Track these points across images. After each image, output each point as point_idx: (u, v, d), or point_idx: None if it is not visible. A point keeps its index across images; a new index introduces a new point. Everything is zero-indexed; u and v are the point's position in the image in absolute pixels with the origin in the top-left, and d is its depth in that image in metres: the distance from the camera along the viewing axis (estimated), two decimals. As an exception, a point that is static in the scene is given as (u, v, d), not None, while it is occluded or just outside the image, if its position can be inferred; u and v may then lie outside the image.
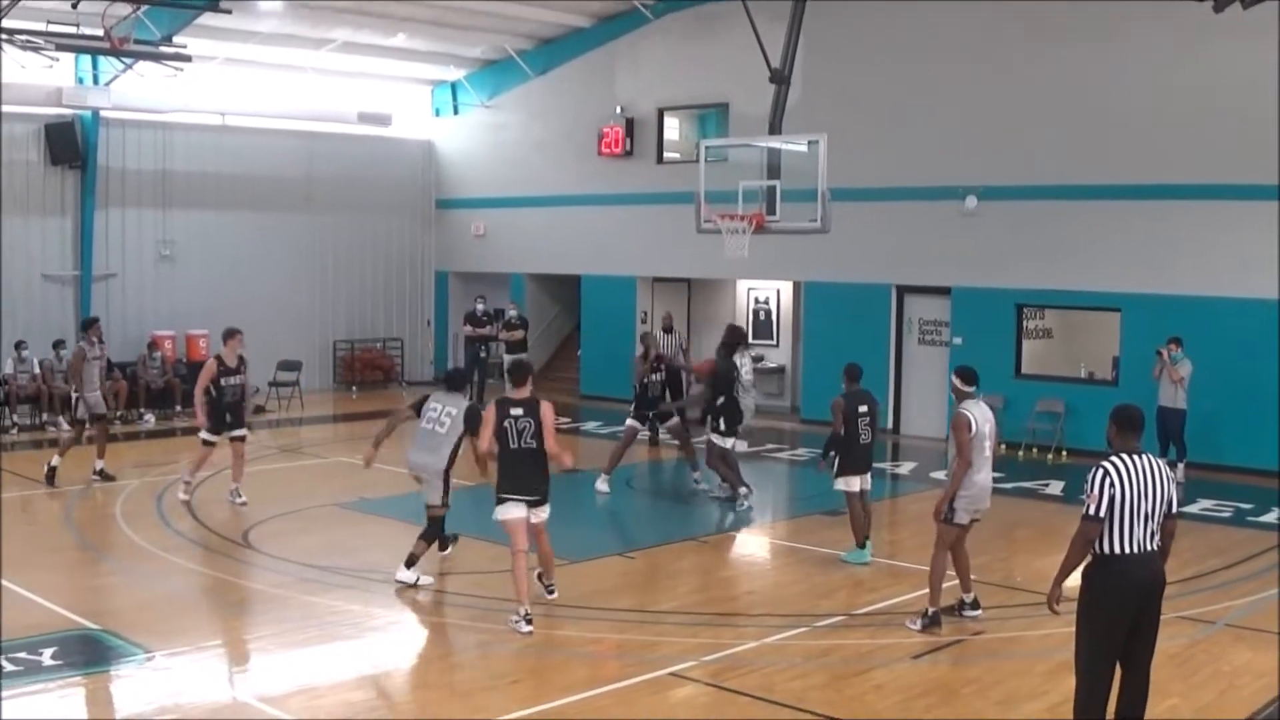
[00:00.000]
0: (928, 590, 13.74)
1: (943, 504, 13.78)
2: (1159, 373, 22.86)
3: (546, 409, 13.84)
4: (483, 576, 15.73)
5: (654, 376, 22.20)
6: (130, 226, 32.17)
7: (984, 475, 13.89)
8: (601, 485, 21.19)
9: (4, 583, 15.04)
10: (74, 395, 22.60)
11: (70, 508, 19.90)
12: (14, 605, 14.31)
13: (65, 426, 25.64)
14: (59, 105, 30.04)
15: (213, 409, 20.06)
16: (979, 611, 13.91)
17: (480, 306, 32.66)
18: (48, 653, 12.54)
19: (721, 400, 20.04)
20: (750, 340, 26.60)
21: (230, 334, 20.35)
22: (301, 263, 34.72)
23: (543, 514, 14.06)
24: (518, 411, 13.70)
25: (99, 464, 21.87)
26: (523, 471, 13.78)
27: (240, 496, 20.10)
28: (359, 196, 35.90)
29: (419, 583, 15.28)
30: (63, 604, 13.83)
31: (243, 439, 20.55)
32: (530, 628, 13.30)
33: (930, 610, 13.63)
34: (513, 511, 13.84)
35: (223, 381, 19.98)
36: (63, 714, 11.30)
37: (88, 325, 22.61)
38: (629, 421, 22.29)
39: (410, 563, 15.35)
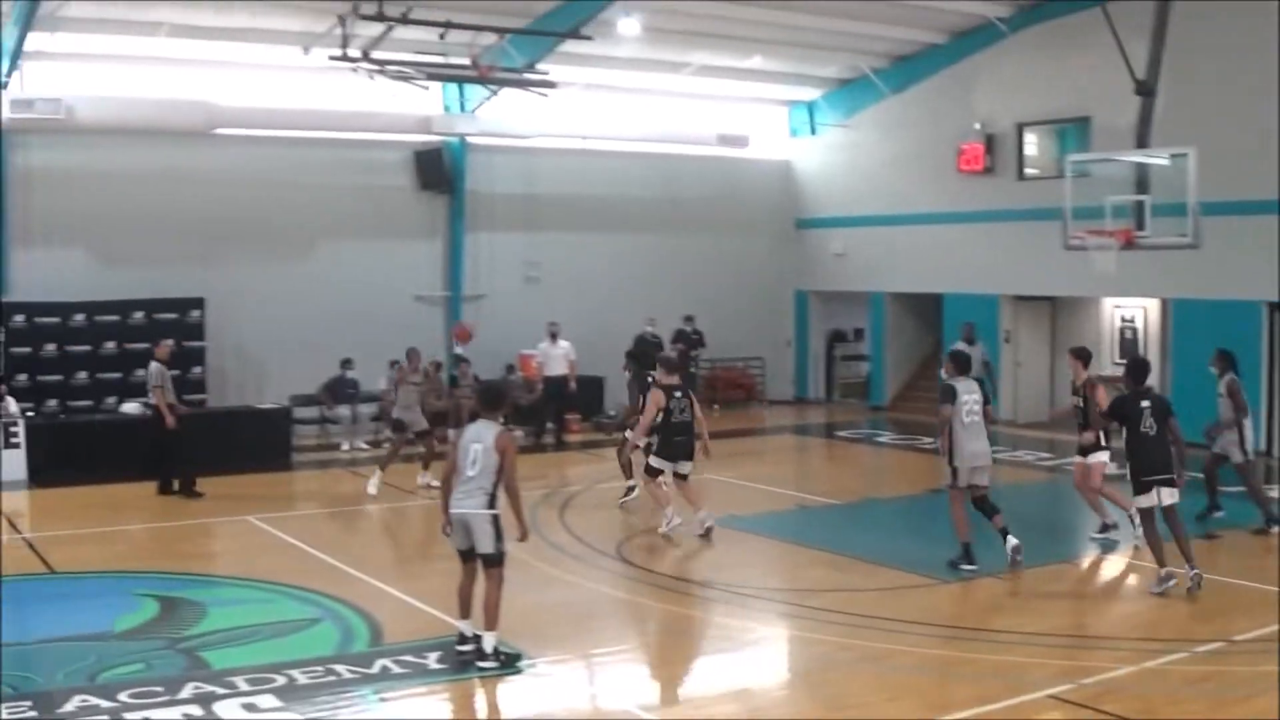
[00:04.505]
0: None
1: None
2: None
3: None
4: (856, 594, 15.82)
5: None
6: (498, 249, 33.19)
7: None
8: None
9: (389, 589, 16.04)
10: (393, 413, 24.05)
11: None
12: (399, 610, 15.12)
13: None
14: (428, 133, 31.23)
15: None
16: None
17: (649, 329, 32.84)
18: (432, 656, 13.11)
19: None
20: (1115, 360, 25.93)
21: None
22: (663, 283, 35.18)
23: None
24: None
25: (424, 477, 23.05)
26: None
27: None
28: (718, 217, 36.31)
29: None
30: (444, 610, 14.30)
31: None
32: None
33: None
34: None
35: None
36: (447, 716, 11.94)
37: (409, 354, 24.15)
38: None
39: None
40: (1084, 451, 18.76)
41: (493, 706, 12.28)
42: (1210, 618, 14.92)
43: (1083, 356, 19.41)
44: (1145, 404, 16.18)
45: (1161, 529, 16.01)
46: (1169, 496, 16.01)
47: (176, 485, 22.76)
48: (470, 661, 12.74)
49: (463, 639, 12.98)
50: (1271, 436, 27.36)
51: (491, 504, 12.81)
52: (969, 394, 17.15)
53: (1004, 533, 17.21)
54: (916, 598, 15.89)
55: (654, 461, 19.93)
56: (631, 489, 21.79)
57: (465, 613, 13.05)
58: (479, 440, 12.88)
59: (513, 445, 13.00)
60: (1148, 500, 16.07)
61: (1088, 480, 18.84)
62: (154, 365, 22.67)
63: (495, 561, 12.88)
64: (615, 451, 22.80)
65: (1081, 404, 18.90)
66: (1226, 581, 16.47)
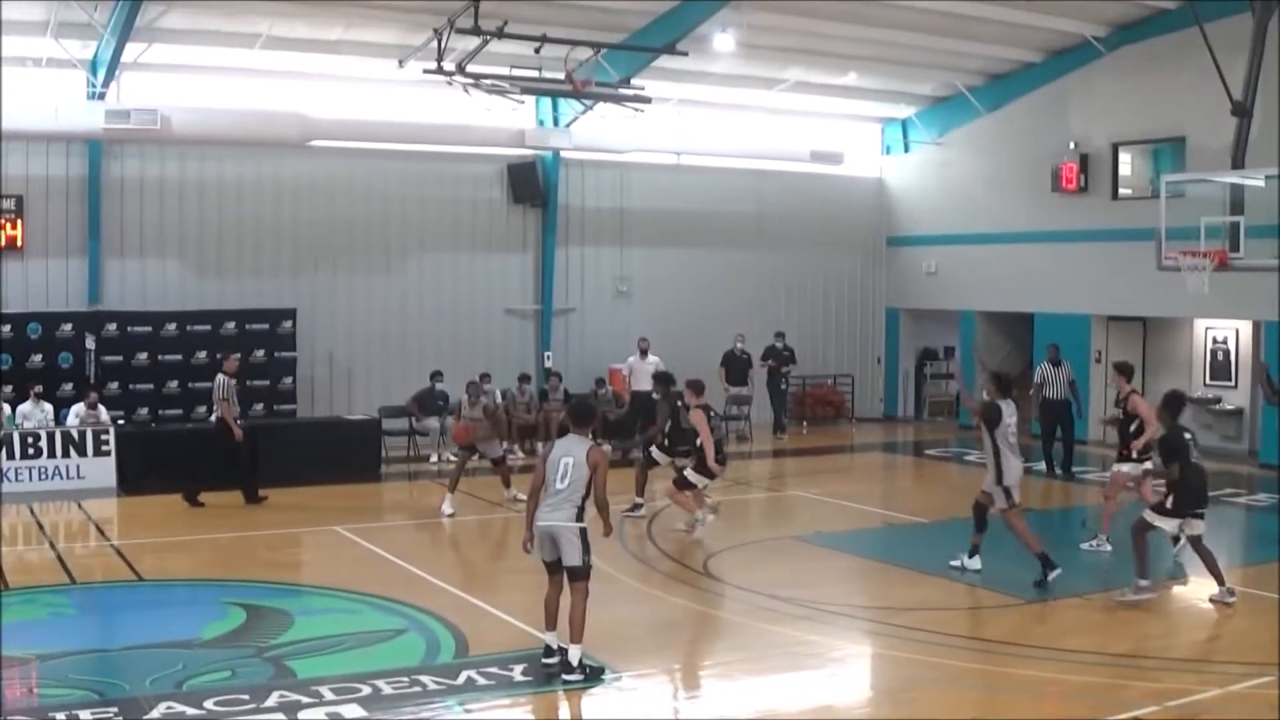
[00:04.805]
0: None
1: None
2: None
3: None
4: (943, 613, 15.77)
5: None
6: (589, 262, 33.38)
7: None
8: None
9: (475, 601, 16.16)
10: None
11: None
12: (485, 622, 15.17)
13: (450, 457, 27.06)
14: (522, 146, 31.34)
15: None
16: None
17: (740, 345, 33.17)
18: (518, 669, 13.16)
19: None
20: (1207, 381, 26.00)
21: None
22: (754, 299, 35.20)
23: None
24: None
25: (511, 491, 23.06)
26: None
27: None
28: (810, 233, 36.23)
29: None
30: (531, 623, 14.33)
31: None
32: None
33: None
34: None
35: None
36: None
37: (469, 387, 23.91)
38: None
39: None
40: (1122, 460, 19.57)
41: (577, 719, 12.29)
42: (1299, 641, 14.77)
43: (1125, 371, 20.18)
44: (1189, 436, 16.43)
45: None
46: (1199, 527, 16.30)
47: (250, 492, 23.11)
48: (556, 674, 12.78)
49: (549, 651, 13.01)
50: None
51: (579, 517, 12.91)
52: (1010, 416, 17.36)
53: (974, 550, 17.76)
54: (1002, 617, 15.84)
55: (693, 476, 20.27)
56: (639, 505, 21.94)
57: (552, 624, 13.10)
58: (569, 455, 13.04)
59: (604, 460, 13.17)
60: (1170, 525, 16.41)
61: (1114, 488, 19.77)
62: (220, 378, 22.85)
63: (582, 574, 12.94)
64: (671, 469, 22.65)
65: (1122, 415, 19.59)
66: (1316, 606, 16.32)
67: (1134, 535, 16.53)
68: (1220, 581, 16.38)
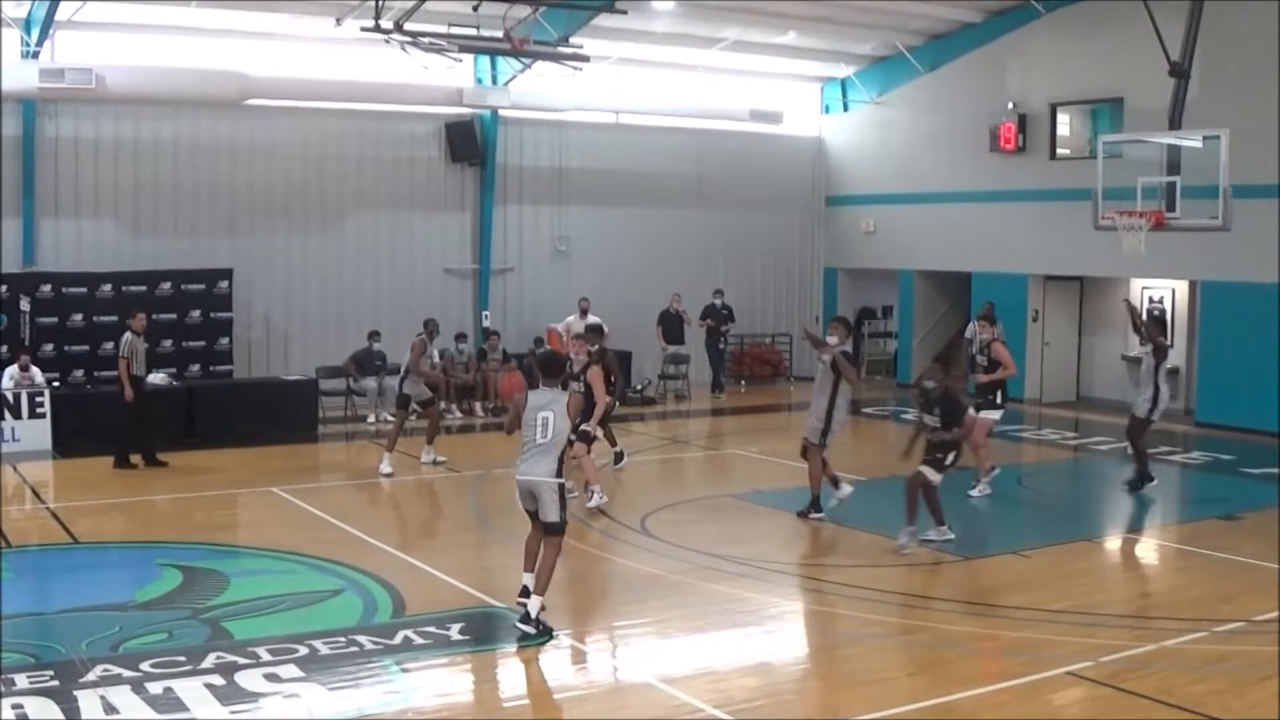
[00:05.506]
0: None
1: None
2: None
3: None
4: (879, 570, 15.85)
5: None
6: (527, 222, 33.28)
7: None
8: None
9: (412, 561, 16.15)
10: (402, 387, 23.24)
11: (471, 492, 20.76)
12: (422, 582, 15.15)
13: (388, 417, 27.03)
14: (459, 105, 31.14)
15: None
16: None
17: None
18: (455, 628, 13.18)
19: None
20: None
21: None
22: (693, 258, 35.17)
23: None
24: None
25: (430, 454, 23.13)
26: None
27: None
28: (749, 193, 36.28)
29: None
30: (468, 582, 14.45)
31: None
32: None
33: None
34: None
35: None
36: (469, 687, 11.96)
37: (427, 324, 23.84)
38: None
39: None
40: (978, 408, 20.07)
41: (514, 677, 12.25)
42: (1231, 598, 14.88)
43: (990, 318, 21.30)
44: None
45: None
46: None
47: (139, 459, 22.74)
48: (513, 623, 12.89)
49: (525, 591, 13.05)
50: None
51: (559, 472, 13.01)
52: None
53: (835, 481, 18.92)
54: (939, 574, 15.96)
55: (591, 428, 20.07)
56: (621, 455, 22.40)
57: (530, 565, 13.13)
58: (549, 409, 13.07)
59: (579, 399, 13.92)
60: (939, 479, 16.98)
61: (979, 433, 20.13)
62: (126, 336, 22.53)
63: (558, 530, 13.07)
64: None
65: (986, 362, 20.67)
66: (1247, 563, 16.49)
67: (921, 492, 16.85)
68: (939, 521, 17.04)
